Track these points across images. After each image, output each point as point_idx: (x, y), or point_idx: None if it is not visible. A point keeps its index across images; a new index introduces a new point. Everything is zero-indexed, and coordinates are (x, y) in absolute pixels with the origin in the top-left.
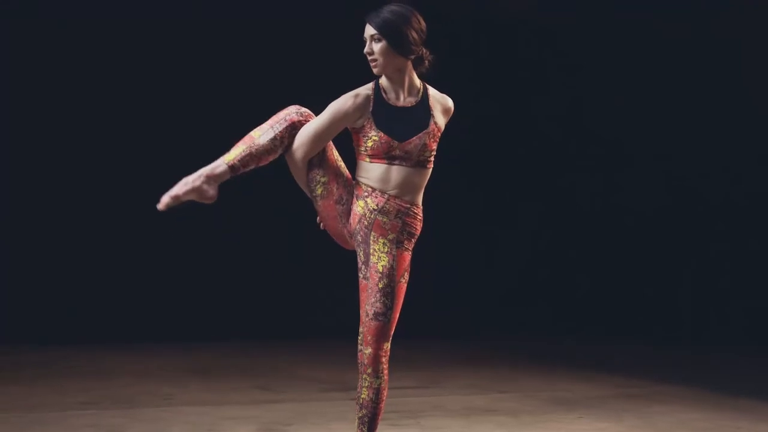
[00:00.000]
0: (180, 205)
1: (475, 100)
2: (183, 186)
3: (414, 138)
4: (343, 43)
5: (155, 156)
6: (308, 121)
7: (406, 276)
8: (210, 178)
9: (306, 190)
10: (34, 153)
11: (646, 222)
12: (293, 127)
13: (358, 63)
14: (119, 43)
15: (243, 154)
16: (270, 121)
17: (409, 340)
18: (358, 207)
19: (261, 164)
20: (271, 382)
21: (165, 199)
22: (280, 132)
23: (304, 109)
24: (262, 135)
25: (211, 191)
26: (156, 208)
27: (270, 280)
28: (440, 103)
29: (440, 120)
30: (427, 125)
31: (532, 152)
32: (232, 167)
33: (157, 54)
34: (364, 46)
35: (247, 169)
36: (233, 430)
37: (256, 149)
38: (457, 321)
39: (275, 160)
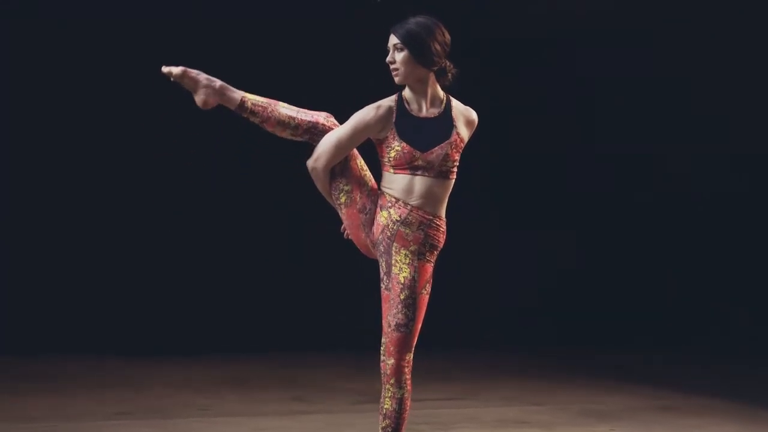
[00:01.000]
0: (174, 81)
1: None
2: (196, 73)
3: (436, 148)
4: (343, 44)
5: (162, 158)
6: (331, 129)
7: (428, 287)
8: (220, 90)
9: (329, 200)
10: (36, 156)
11: (683, 229)
12: (314, 126)
13: (358, 64)
14: (119, 43)
15: (259, 103)
16: (300, 108)
17: (449, 352)
18: (382, 217)
19: (264, 126)
20: (308, 394)
21: (174, 68)
22: (301, 119)
23: (333, 119)
24: (286, 108)
25: (210, 100)
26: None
27: (312, 293)
28: (464, 115)
29: (463, 131)
30: (449, 136)
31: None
32: (242, 103)
33: (157, 54)
34: (387, 54)
35: (250, 118)
36: None
37: (271, 111)
38: (496, 333)
39: (278, 139)
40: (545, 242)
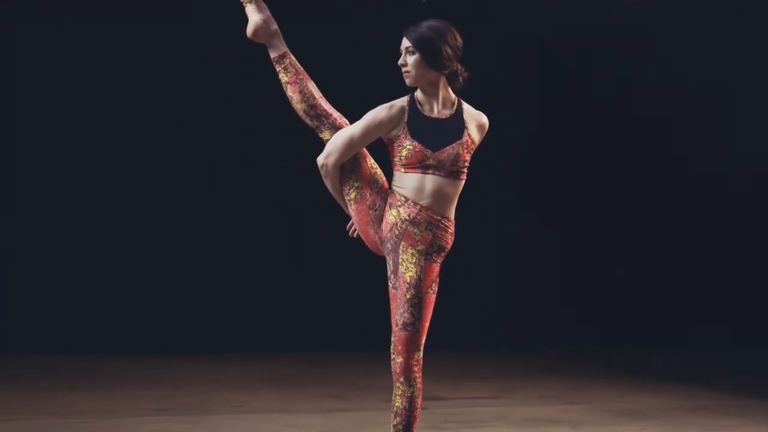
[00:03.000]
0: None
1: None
2: (265, 6)
3: (447, 148)
4: (343, 45)
5: (173, 156)
6: (340, 127)
7: (435, 287)
8: (274, 32)
9: (337, 197)
10: (39, 157)
11: (722, 229)
12: (327, 116)
13: (358, 65)
14: (120, 44)
15: (297, 65)
16: (327, 102)
17: (491, 352)
18: (391, 216)
19: (286, 86)
20: (345, 392)
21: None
22: (320, 103)
23: (345, 120)
24: (313, 88)
25: (261, 33)
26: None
27: (354, 293)
28: (475, 119)
29: (474, 134)
30: (460, 136)
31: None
32: (284, 55)
33: (157, 54)
34: (399, 57)
35: (280, 73)
36: None
37: (302, 78)
38: (536, 332)
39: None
40: (583, 242)
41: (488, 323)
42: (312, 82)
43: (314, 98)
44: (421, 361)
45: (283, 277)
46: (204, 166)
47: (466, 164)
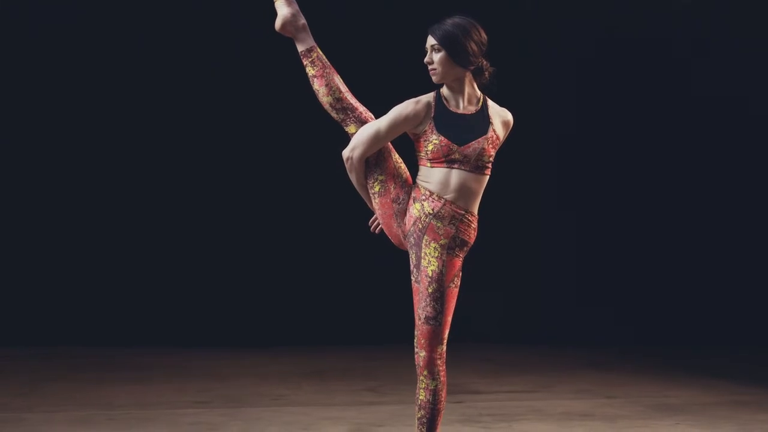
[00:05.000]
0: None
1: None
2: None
3: (473, 142)
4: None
5: (195, 140)
6: (366, 121)
7: (457, 281)
8: (302, 27)
9: (361, 192)
10: (58, 148)
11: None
12: (353, 109)
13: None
14: (120, 38)
15: (324, 59)
16: (353, 96)
17: (533, 347)
18: (414, 209)
19: (313, 79)
20: (383, 386)
21: None
22: (346, 97)
23: (371, 114)
24: (340, 81)
25: (289, 27)
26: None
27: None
28: (500, 115)
29: (499, 129)
30: (486, 131)
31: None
32: (311, 49)
33: (154, 51)
34: (425, 55)
35: (308, 67)
36: (325, 429)
37: (329, 72)
38: (578, 328)
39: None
40: (623, 238)
41: (529, 318)
42: (338, 76)
43: (340, 92)
44: (445, 355)
45: (328, 270)
46: (232, 153)
47: (491, 159)
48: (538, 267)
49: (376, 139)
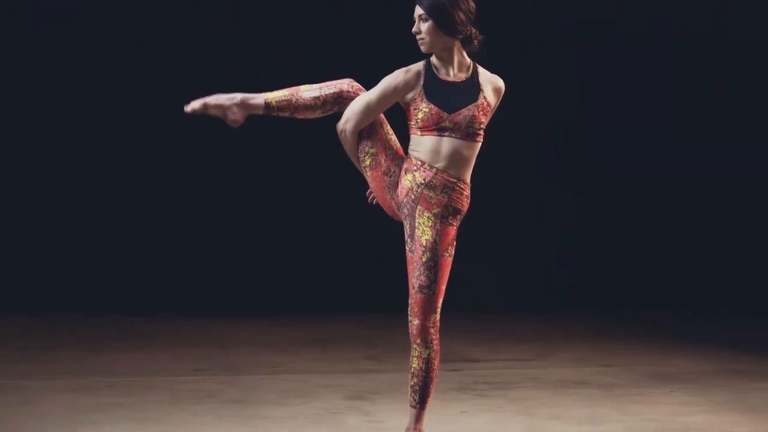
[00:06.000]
0: (202, 115)
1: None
2: (215, 99)
3: (463, 110)
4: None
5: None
6: (357, 94)
7: (451, 250)
8: (243, 104)
9: (356, 163)
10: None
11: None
12: (339, 96)
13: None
14: (120, 36)
15: (283, 98)
16: (321, 84)
17: (531, 315)
18: (406, 180)
19: (295, 116)
20: (383, 354)
21: (194, 103)
22: (325, 95)
23: (356, 84)
24: (308, 91)
25: (238, 116)
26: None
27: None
28: (491, 82)
29: (490, 97)
30: (476, 98)
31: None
32: (267, 105)
33: (153, 48)
34: (413, 25)
35: (280, 114)
36: (322, 396)
37: (296, 100)
38: (577, 295)
39: (313, 120)
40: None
41: (526, 287)
42: (302, 87)
43: (318, 99)
44: (438, 324)
45: (328, 238)
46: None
47: (482, 126)
48: (536, 235)
49: (368, 110)
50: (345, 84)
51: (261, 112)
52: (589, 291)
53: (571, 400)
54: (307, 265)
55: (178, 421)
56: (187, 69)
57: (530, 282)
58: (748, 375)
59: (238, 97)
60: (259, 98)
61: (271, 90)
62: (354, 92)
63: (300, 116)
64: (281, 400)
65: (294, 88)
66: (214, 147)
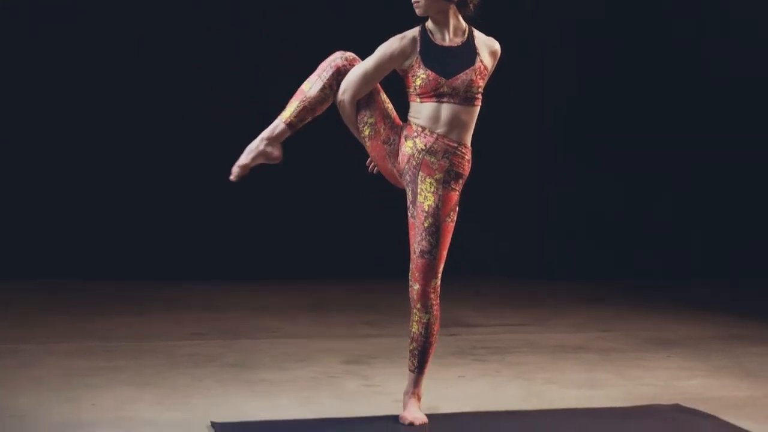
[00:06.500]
0: (250, 172)
1: None
2: (248, 154)
3: (461, 74)
4: None
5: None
6: (353, 65)
7: (453, 215)
8: (271, 140)
9: (355, 133)
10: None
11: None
12: (339, 73)
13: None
14: (116, 17)
15: (298, 109)
16: (317, 71)
17: (529, 280)
18: (407, 147)
19: (316, 114)
20: (381, 319)
21: (235, 170)
22: (328, 80)
23: (348, 54)
24: (311, 87)
25: (276, 152)
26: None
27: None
28: (487, 45)
29: (487, 60)
30: (473, 62)
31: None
32: (289, 124)
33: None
34: None
35: (305, 122)
36: (320, 361)
37: (309, 102)
38: (575, 261)
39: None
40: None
41: (524, 252)
42: (303, 87)
43: (324, 89)
44: (439, 289)
45: (325, 204)
46: (228, 85)
47: (480, 90)
48: (535, 200)
49: (365, 80)
50: (338, 59)
51: (289, 134)
52: (589, 256)
53: (569, 365)
54: (303, 230)
55: (177, 384)
56: (187, 69)
57: (528, 247)
58: (746, 340)
59: (264, 136)
60: (278, 125)
61: (282, 105)
62: (350, 63)
63: (320, 112)
64: (280, 364)
65: (297, 94)
66: (211, 114)
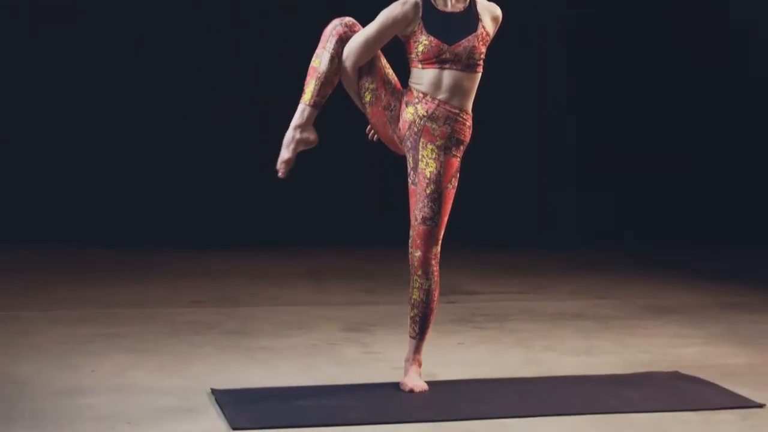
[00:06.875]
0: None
1: None
2: (287, 147)
3: (463, 41)
4: None
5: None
6: (354, 30)
7: (454, 182)
8: (303, 126)
9: (356, 100)
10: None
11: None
12: (342, 40)
13: None
14: (116, 17)
15: (317, 87)
16: (321, 43)
17: (527, 248)
18: (408, 114)
19: (335, 84)
20: (380, 286)
21: (281, 167)
22: (333, 49)
23: (347, 19)
24: (321, 61)
25: (312, 136)
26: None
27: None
28: (488, 10)
29: (489, 25)
30: (475, 29)
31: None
32: (314, 105)
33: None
34: None
35: (327, 96)
36: (319, 328)
37: (324, 77)
38: (574, 229)
39: None
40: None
41: (523, 220)
42: (313, 63)
43: (332, 59)
44: (439, 256)
45: (323, 171)
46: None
47: (482, 56)
48: (535, 167)
49: (367, 46)
50: (339, 27)
51: (317, 113)
52: (587, 224)
53: (567, 332)
54: (300, 197)
55: (177, 351)
56: (187, 69)
57: (527, 214)
58: (744, 308)
59: (294, 125)
60: (305, 109)
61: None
62: (350, 29)
63: (338, 80)
64: (279, 332)
65: (310, 72)
66: (211, 114)
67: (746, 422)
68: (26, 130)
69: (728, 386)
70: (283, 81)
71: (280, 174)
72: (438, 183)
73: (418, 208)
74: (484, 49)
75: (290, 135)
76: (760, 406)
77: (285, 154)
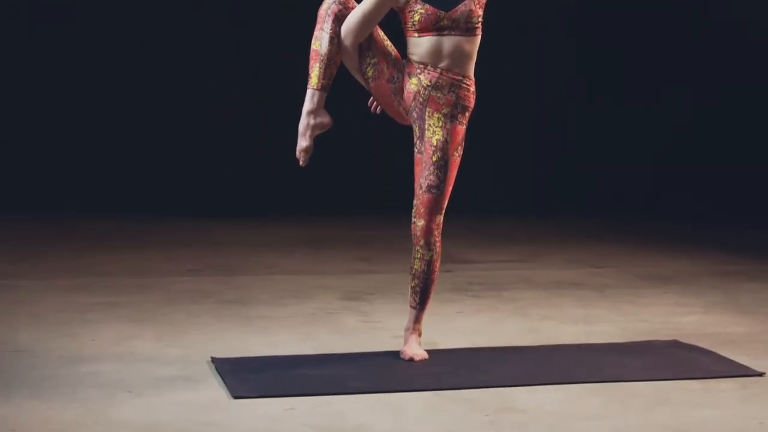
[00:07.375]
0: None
1: None
2: (303, 135)
3: (460, 6)
4: None
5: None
6: (348, 6)
7: (460, 150)
8: (315, 111)
9: (358, 76)
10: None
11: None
12: (338, 19)
13: None
14: (116, 17)
15: (321, 71)
16: (318, 24)
17: (521, 216)
18: (412, 84)
19: (339, 63)
20: (377, 255)
21: (301, 156)
22: (331, 29)
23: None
24: (321, 43)
25: (326, 119)
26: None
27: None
28: None
29: None
30: None
31: None
32: (322, 88)
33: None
34: None
35: (333, 76)
36: (317, 297)
37: (327, 59)
38: (571, 197)
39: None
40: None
41: (520, 188)
42: (313, 47)
43: (332, 38)
44: (441, 225)
45: (319, 139)
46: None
47: (480, 19)
48: (531, 136)
49: (366, 21)
50: (333, 5)
51: (326, 95)
52: (585, 193)
53: (565, 301)
54: (295, 166)
55: (176, 320)
56: (187, 69)
57: (525, 183)
58: (742, 276)
59: (306, 111)
60: (314, 94)
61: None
62: (344, 6)
63: (340, 61)
64: (277, 301)
65: (312, 56)
66: (211, 114)
67: (747, 390)
68: (24, 99)
69: (727, 355)
70: (283, 81)
71: (300, 163)
72: (444, 150)
73: (424, 176)
74: (480, 12)
75: (304, 122)
76: (760, 374)
77: (303, 142)
